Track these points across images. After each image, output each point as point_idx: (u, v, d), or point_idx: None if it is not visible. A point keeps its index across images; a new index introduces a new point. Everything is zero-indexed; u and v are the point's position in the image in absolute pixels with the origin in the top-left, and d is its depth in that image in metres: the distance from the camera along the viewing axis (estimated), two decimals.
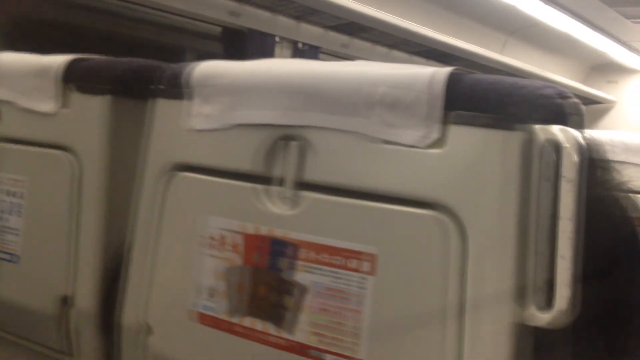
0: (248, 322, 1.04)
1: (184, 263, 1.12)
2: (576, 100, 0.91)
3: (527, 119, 0.88)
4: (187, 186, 1.14)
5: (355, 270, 0.95)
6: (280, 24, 3.81)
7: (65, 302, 1.28)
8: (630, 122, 7.07)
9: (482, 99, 0.91)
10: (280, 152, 1.05)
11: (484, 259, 0.88)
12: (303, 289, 0.99)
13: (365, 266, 0.95)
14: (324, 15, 3.82)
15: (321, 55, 4.15)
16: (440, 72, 0.93)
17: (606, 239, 0.96)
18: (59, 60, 1.34)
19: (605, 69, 7.17)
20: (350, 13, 3.78)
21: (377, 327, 0.93)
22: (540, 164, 0.87)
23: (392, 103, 0.95)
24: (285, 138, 1.04)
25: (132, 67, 1.31)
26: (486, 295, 0.88)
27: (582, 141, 0.86)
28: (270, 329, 1.02)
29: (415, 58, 4.75)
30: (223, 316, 1.06)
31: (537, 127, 0.87)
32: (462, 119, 0.91)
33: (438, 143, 0.92)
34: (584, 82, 6.98)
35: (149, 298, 1.15)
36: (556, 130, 0.86)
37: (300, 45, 3.99)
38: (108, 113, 1.27)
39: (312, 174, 1.02)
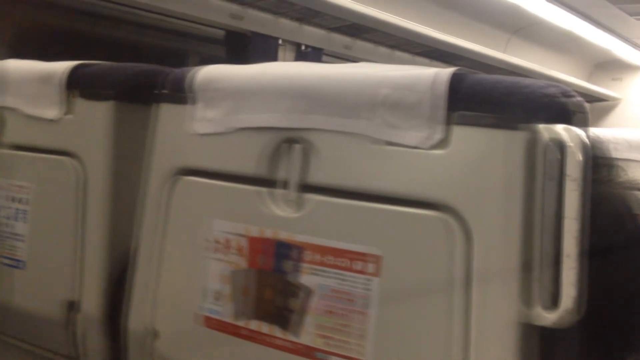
0: (254, 325, 1.04)
1: (189, 267, 1.12)
2: (580, 98, 0.91)
3: (531, 118, 0.88)
4: (192, 190, 1.14)
5: (361, 272, 0.95)
6: (283, 27, 3.81)
7: (72, 307, 1.29)
8: (635, 119, 7.04)
9: (485, 99, 0.91)
10: (283, 155, 1.05)
11: (489, 259, 0.88)
12: (308, 292, 0.99)
13: (371, 268, 0.95)
14: (326, 17, 3.82)
15: (324, 57, 4.15)
16: (443, 73, 0.93)
17: (612, 237, 0.96)
18: (62, 66, 1.35)
19: (610, 66, 7.14)
20: (352, 14, 3.78)
21: (383, 329, 0.93)
22: (545, 164, 0.87)
23: (395, 104, 0.95)
24: (288, 141, 1.04)
25: (136, 73, 1.32)
26: (492, 295, 0.87)
27: (586, 140, 0.86)
28: (276, 331, 1.02)
29: (418, 58, 4.74)
30: (229, 319, 1.06)
31: (541, 127, 0.87)
32: (466, 119, 0.91)
33: (441, 144, 0.92)
34: (588, 79, 6.96)
35: (155, 302, 1.16)
36: (560, 129, 0.86)
37: (303, 48, 3.99)
38: (112, 118, 1.27)
39: (316, 177, 1.02)
